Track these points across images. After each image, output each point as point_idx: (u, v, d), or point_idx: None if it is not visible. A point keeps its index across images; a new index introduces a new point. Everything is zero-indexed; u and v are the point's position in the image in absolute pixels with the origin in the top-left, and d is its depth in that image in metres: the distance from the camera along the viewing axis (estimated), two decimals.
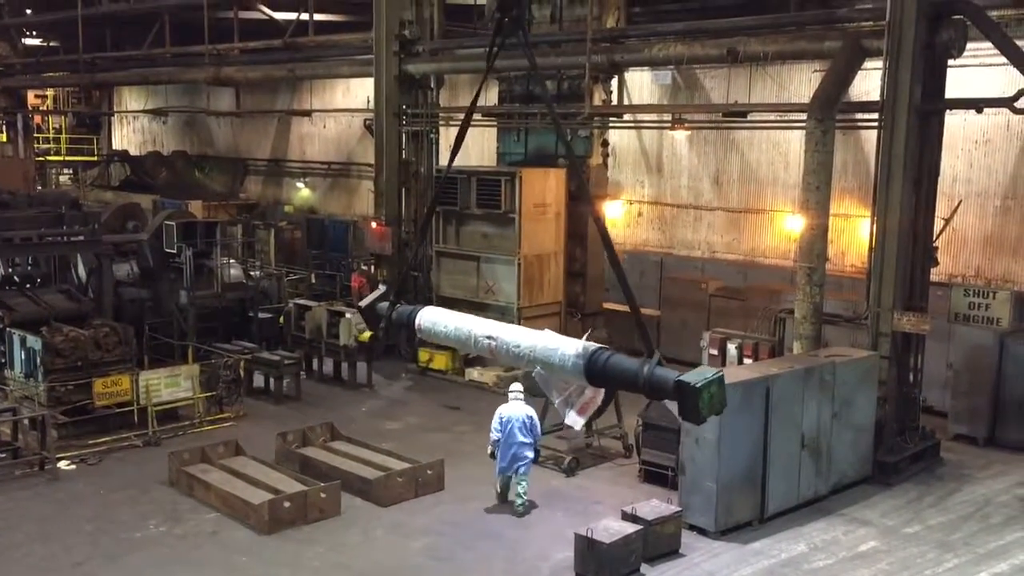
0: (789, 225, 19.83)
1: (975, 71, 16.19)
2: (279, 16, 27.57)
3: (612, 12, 19.18)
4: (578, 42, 18.72)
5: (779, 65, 19.60)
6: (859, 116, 16.78)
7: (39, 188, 36.09)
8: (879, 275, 14.39)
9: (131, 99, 42.39)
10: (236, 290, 20.31)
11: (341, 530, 12.20)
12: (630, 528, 11.09)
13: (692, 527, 12.05)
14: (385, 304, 11.11)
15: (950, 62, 14.38)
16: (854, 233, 19.39)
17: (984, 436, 15.68)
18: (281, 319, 19.95)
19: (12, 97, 40.17)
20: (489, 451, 13.04)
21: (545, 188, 19.22)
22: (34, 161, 39.06)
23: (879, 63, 14.39)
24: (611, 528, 11.05)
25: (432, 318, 10.83)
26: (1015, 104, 13.58)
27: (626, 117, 21.30)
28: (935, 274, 15.37)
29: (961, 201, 17.28)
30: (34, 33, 39.46)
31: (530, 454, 12.74)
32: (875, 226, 14.43)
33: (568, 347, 9.50)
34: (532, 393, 13.40)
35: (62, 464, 14.25)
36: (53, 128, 44.20)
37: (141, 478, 13.80)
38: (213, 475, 13.33)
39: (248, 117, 33.95)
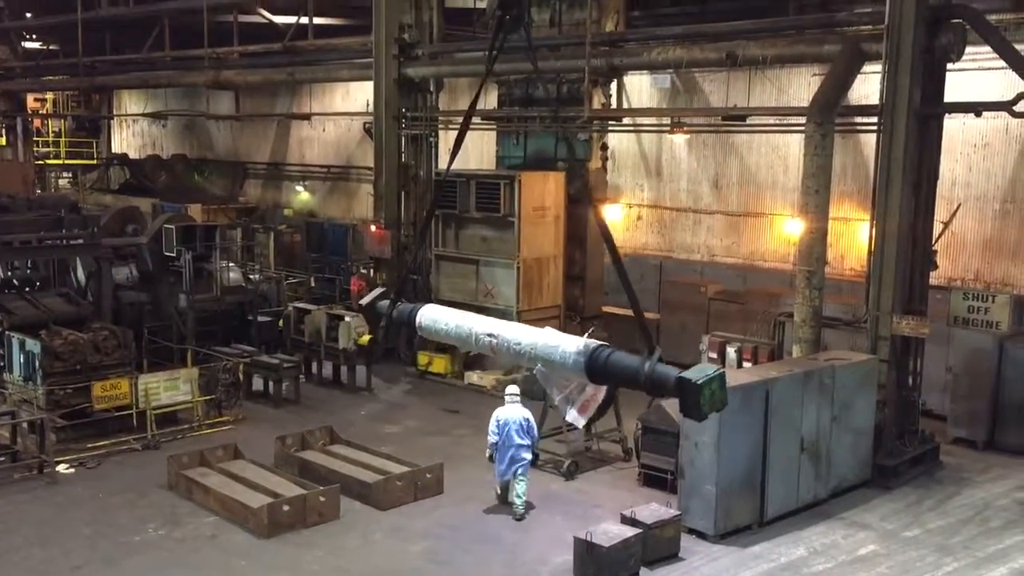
0: (788, 229, 19.80)
1: (974, 75, 16.21)
2: (279, 20, 27.58)
3: (611, 16, 19.18)
4: (577, 46, 18.71)
5: (778, 69, 19.63)
6: (858, 120, 16.75)
7: (38, 192, 36.14)
8: (878, 279, 14.39)
9: (130, 103, 42.36)
10: (235, 294, 20.31)
11: (340, 534, 12.19)
12: (629, 532, 11.08)
13: (691, 531, 12.04)
14: (386, 302, 11.04)
15: (949, 66, 14.40)
16: (853, 237, 19.37)
17: (983, 440, 15.68)
18: (280, 323, 19.93)
19: (12, 101, 40.22)
20: (487, 454, 13.08)
21: (544, 191, 19.22)
22: (33, 165, 39.09)
23: (878, 67, 14.38)
24: (610, 532, 11.05)
25: (433, 316, 10.77)
26: (1014, 108, 13.59)
27: (625, 121, 21.26)
28: (934, 278, 15.37)
29: (960, 205, 17.30)
30: (34, 37, 39.50)
31: (528, 456, 12.76)
32: (874, 230, 14.43)
33: (569, 344, 9.49)
34: (529, 396, 13.45)
35: (61, 467, 14.25)
36: (52, 132, 44.15)
37: (140, 482, 13.79)
38: (212, 479, 13.32)
39: (247, 121, 33.90)
